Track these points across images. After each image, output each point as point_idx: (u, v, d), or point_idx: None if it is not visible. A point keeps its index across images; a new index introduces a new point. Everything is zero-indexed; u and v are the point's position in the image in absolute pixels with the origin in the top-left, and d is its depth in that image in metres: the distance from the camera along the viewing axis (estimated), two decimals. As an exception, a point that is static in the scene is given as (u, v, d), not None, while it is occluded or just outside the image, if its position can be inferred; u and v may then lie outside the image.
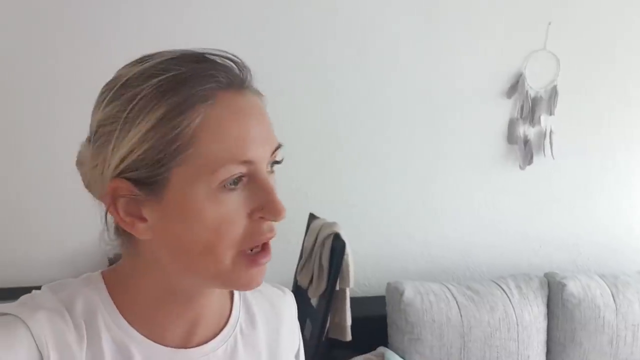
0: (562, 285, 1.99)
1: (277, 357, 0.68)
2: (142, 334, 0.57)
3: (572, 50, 2.17)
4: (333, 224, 1.69)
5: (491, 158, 2.21)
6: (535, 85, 2.17)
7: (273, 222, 0.54)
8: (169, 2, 1.85)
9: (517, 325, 1.89)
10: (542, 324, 1.96)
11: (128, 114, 0.50)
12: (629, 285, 2.02)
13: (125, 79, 0.51)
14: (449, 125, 2.14)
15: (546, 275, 2.09)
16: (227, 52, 0.54)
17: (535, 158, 2.20)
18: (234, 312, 0.65)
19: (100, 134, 0.52)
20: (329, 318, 1.67)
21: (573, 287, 1.98)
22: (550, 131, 2.20)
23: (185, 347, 0.59)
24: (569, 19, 2.15)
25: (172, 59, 0.52)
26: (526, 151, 2.20)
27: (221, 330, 0.63)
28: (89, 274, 0.59)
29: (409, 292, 1.86)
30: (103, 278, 0.59)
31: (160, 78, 0.50)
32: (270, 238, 0.54)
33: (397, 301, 1.86)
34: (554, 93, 2.18)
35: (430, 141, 2.13)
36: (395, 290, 1.89)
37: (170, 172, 0.50)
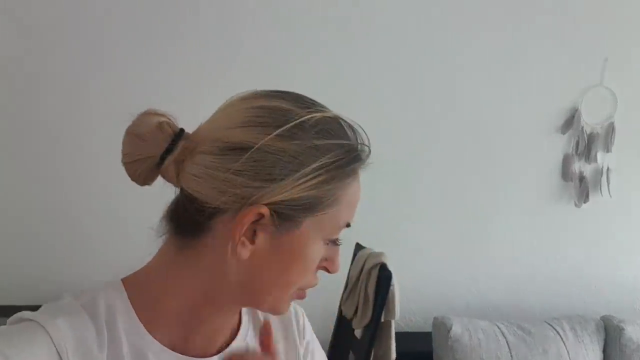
0: (620, 329, 1.89)
1: None
2: (159, 341, 0.58)
3: (629, 86, 2.12)
4: (380, 254, 1.69)
5: (545, 195, 2.15)
6: (591, 121, 2.12)
7: None
8: (197, 30, 1.95)
9: (571, 369, 1.81)
10: (598, 369, 1.87)
11: (305, 160, 0.55)
12: (694, 333, 1.91)
13: (298, 120, 0.55)
14: (502, 161, 2.11)
15: (603, 318, 2.00)
16: (363, 130, 0.63)
17: (591, 196, 2.14)
18: (242, 324, 0.68)
19: (261, 159, 0.54)
20: (372, 351, 1.66)
21: (632, 331, 1.88)
22: (608, 168, 2.13)
23: (204, 357, 0.61)
24: (625, 54, 2.11)
25: (336, 122, 0.60)
26: (582, 188, 2.13)
27: (231, 342, 0.65)
28: (111, 280, 0.61)
29: (456, 328, 1.82)
30: (123, 284, 0.61)
31: (335, 143, 0.57)
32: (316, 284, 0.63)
33: (444, 337, 1.82)
34: (611, 129, 2.13)
35: (483, 177, 2.11)
36: (442, 326, 1.85)
37: (306, 218, 0.57)
